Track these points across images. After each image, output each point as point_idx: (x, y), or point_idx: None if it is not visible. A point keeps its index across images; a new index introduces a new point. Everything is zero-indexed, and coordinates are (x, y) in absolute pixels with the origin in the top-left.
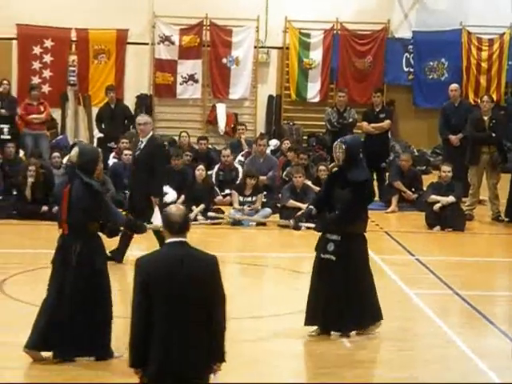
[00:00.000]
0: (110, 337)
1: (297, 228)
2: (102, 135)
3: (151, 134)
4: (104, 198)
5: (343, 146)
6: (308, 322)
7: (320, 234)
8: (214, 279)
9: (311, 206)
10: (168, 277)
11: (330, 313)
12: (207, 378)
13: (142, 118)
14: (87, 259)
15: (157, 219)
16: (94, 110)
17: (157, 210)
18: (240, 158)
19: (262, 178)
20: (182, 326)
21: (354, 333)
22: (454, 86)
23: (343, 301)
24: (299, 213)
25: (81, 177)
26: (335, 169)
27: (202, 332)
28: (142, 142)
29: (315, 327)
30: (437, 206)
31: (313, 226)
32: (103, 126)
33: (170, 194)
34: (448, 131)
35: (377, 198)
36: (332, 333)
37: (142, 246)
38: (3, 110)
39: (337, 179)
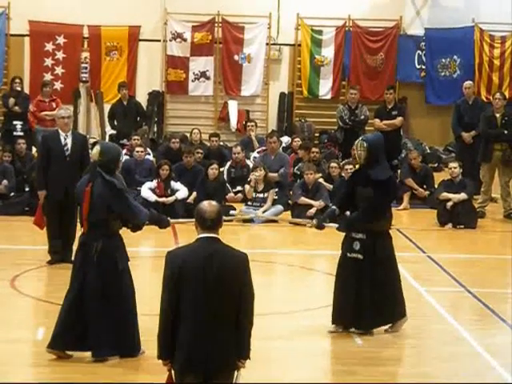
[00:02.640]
0: (136, 335)
1: (320, 227)
2: (114, 132)
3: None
4: (126, 195)
5: (365, 144)
6: (336, 321)
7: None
8: (243, 276)
9: (334, 207)
10: (198, 271)
11: (360, 312)
12: (232, 373)
13: (66, 112)
14: (109, 257)
15: None
16: (106, 107)
17: None
18: (255, 155)
19: (274, 174)
20: (210, 321)
21: (382, 329)
22: (468, 83)
23: (371, 299)
24: (325, 214)
25: (102, 175)
26: (352, 167)
27: (229, 327)
28: (67, 137)
29: (333, 325)
30: (449, 204)
31: (336, 225)
32: (115, 123)
33: (181, 190)
34: (461, 128)
35: None
36: (352, 329)
37: (151, 243)
38: (17, 107)
39: (359, 178)
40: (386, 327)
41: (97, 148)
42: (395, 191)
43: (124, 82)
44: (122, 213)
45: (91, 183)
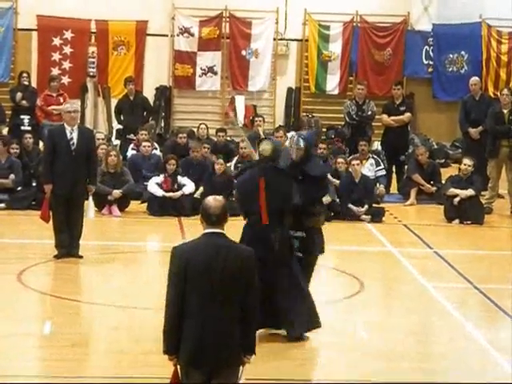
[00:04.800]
0: None
1: None
2: (121, 127)
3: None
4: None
5: (301, 142)
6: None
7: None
8: (248, 272)
9: None
10: (204, 266)
11: (304, 311)
12: (237, 369)
13: (72, 106)
14: (287, 246)
15: (90, 210)
16: (114, 102)
17: (91, 200)
18: None
19: None
20: (215, 316)
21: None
22: (474, 79)
23: (309, 296)
24: None
25: (281, 169)
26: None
27: (234, 322)
28: (73, 131)
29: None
30: (456, 200)
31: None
32: (122, 118)
33: (188, 185)
34: (468, 124)
35: (395, 191)
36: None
37: (159, 237)
38: (24, 102)
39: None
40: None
41: (269, 145)
42: (326, 188)
43: (131, 77)
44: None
45: (263, 178)
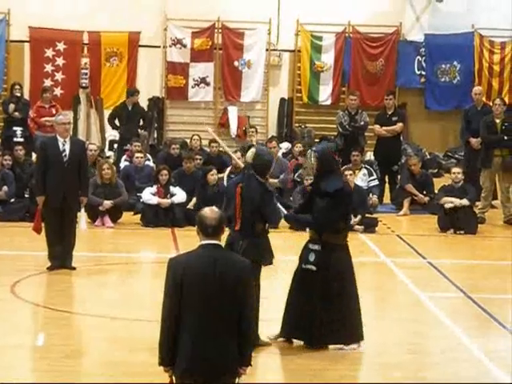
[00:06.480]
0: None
1: None
2: (114, 138)
3: None
4: (274, 200)
5: (314, 155)
6: (284, 335)
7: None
8: (245, 283)
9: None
10: (201, 277)
11: (310, 327)
12: (233, 380)
13: (66, 118)
14: (252, 256)
15: (83, 221)
16: (106, 113)
17: (83, 211)
18: None
19: (274, 180)
20: (212, 328)
21: (336, 347)
22: (477, 89)
23: (320, 314)
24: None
25: (256, 177)
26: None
27: (230, 334)
28: (65, 143)
29: (276, 333)
30: (448, 205)
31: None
32: (118, 124)
33: (178, 194)
34: (469, 134)
35: (388, 201)
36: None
37: (152, 249)
38: (16, 113)
39: (315, 189)
40: (338, 346)
41: (252, 151)
42: (346, 204)
43: (135, 89)
44: (268, 215)
45: (241, 184)
